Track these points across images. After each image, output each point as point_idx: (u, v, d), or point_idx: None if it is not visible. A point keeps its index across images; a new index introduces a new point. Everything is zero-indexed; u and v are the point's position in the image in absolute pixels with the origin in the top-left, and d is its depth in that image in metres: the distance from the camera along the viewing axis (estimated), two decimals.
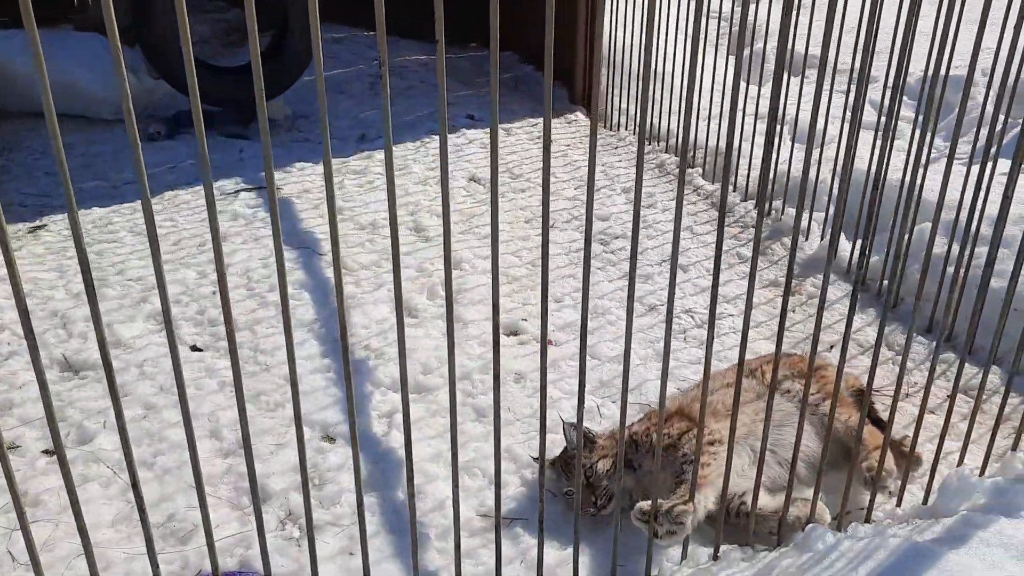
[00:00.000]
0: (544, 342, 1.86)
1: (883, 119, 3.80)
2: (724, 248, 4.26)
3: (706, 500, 2.30)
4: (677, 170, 5.12)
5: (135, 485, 1.65)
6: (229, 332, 1.60)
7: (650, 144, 5.51)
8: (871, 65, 3.90)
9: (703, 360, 3.40)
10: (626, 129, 5.84)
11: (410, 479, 1.88)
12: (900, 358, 3.28)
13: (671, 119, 5.41)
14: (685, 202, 4.73)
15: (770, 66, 6.09)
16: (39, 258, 3.98)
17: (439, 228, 4.46)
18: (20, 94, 5.50)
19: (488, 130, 5.83)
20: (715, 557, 2.30)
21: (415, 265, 4.00)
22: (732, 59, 6.09)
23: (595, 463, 2.51)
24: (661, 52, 5.53)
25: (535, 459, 2.73)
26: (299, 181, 4.91)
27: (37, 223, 4.33)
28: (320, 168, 5.11)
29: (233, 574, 2.32)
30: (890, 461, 2.47)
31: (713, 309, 1.97)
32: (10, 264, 1.40)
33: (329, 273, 3.98)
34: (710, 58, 5.17)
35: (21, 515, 1.60)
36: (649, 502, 2.21)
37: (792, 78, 5.29)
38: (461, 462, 2.76)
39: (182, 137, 5.48)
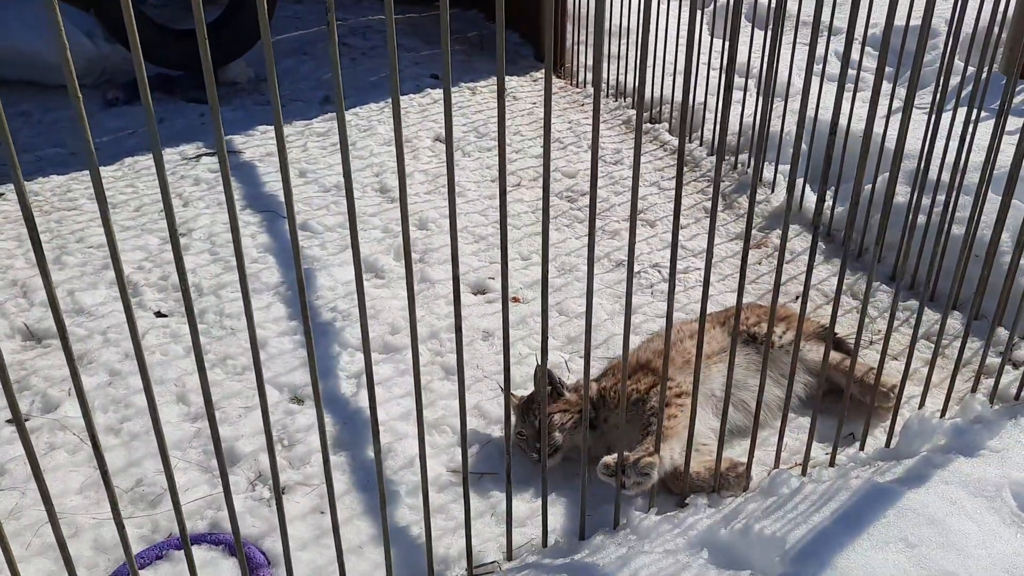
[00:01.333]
0: (506, 294, 1.86)
1: (849, 70, 3.80)
2: (691, 203, 4.27)
3: (672, 451, 2.33)
4: (644, 125, 5.11)
5: (96, 446, 1.64)
6: (184, 289, 1.58)
7: (617, 100, 5.48)
8: (833, 15, 3.89)
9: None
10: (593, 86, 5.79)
11: (376, 434, 1.88)
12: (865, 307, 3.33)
13: (636, 75, 5.38)
14: (652, 158, 4.72)
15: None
16: None
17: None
18: None
19: (452, 90, 5.77)
20: (682, 505, 2.33)
21: (381, 226, 3.97)
22: (695, 12, 6.05)
23: (552, 414, 2.53)
24: (619, 6, 5.49)
25: (501, 388, 2.76)
26: (262, 144, 4.84)
27: None
28: (284, 131, 5.03)
29: (203, 536, 2.33)
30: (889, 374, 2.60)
31: (674, 260, 1.97)
32: None
33: None
34: (673, 12, 5.14)
35: None
36: (614, 456, 2.23)
37: (757, 30, 5.28)
38: (430, 420, 2.78)
39: (141, 102, 5.37)
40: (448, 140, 1.65)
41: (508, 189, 4.50)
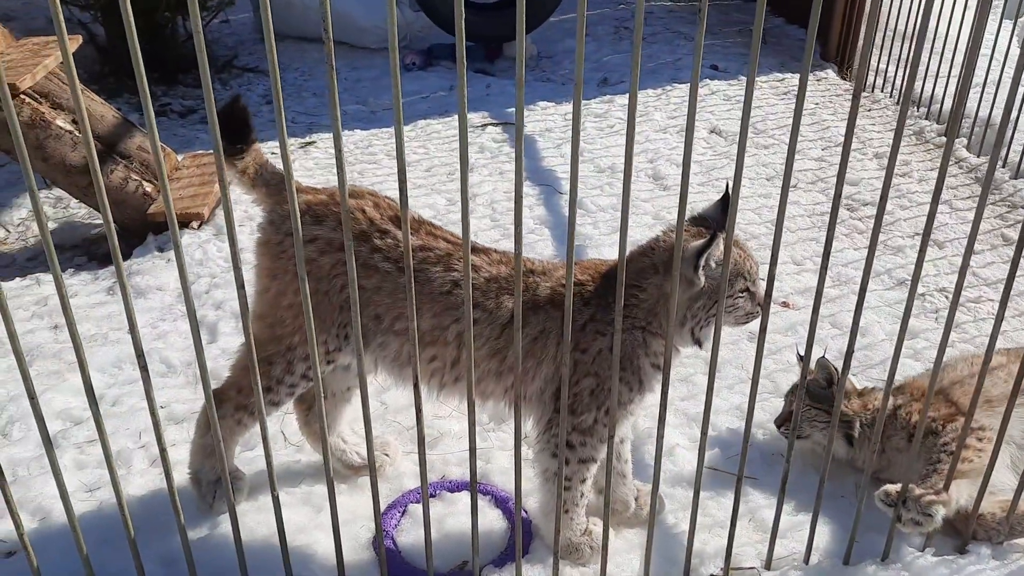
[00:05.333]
0: (821, 285, 1.81)
1: None
2: (988, 227, 3.93)
3: (959, 495, 2.17)
4: (936, 139, 4.76)
5: (416, 385, 1.80)
6: (465, 250, 1.67)
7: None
8: None
9: (956, 344, 3.19)
10: (881, 91, 5.46)
11: (662, 418, 1.91)
12: None
13: (936, 84, 5.01)
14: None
15: None
16: (308, 172, 4.33)
17: (678, 177, 4.40)
18: (296, 19, 5.96)
19: (731, 82, 5.65)
20: (962, 551, 2.18)
21: (652, 212, 3.99)
22: (1008, 22, 5.53)
23: (814, 407, 2.56)
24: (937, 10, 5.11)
25: (800, 358, 2.71)
26: (541, 120, 5.01)
27: (307, 139, 4.70)
28: (562, 108, 5.18)
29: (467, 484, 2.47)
30: None
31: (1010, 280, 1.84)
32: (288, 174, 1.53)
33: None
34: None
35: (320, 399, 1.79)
36: (898, 485, 2.13)
37: None
38: (691, 413, 2.79)
39: (435, 69, 5.72)
40: (687, 139, 1.63)
41: None
